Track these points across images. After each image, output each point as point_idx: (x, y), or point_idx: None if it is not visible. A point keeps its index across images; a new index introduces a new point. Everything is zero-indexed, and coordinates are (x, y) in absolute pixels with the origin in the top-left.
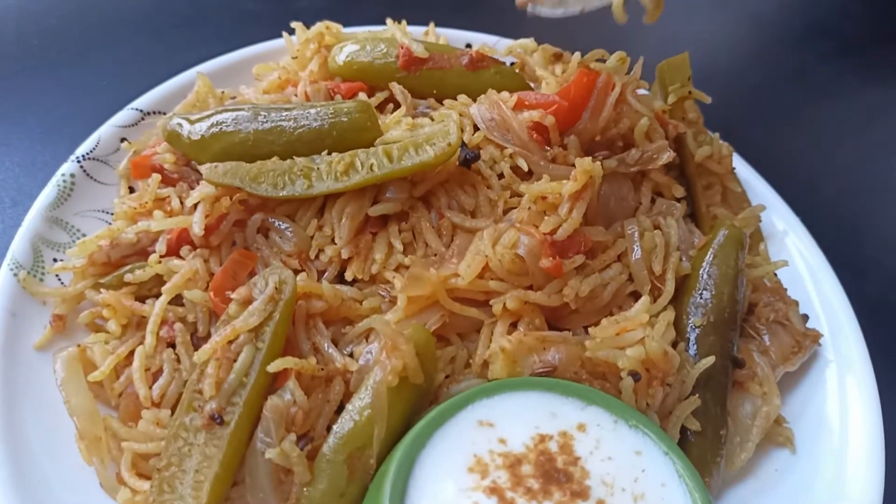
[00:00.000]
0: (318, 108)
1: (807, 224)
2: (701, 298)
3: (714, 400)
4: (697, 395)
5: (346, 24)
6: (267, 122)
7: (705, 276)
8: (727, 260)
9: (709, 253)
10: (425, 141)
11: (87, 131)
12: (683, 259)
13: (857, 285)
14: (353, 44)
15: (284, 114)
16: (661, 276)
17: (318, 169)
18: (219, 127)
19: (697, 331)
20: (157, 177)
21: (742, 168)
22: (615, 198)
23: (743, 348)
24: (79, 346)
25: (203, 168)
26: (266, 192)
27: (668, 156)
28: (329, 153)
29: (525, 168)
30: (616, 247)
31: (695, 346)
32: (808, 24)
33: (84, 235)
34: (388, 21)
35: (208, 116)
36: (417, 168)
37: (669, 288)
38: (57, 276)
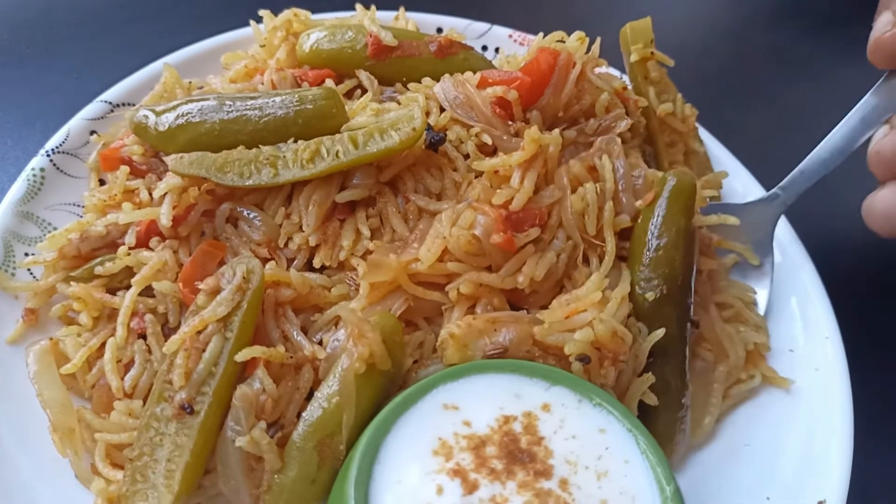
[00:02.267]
0: (284, 97)
1: None
2: (652, 271)
3: (673, 370)
4: (651, 372)
5: (317, 10)
6: (232, 111)
7: (654, 240)
8: (677, 218)
9: (656, 212)
10: (390, 126)
11: (59, 125)
12: (624, 212)
13: (828, 261)
14: (321, 31)
15: (250, 102)
16: (598, 234)
17: (283, 157)
18: (185, 118)
19: (652, 304)
20: (125, 169)
21: (715, 147)
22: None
23: (698, 308)
24: (51, 339)
25: (169, 159)
26: (232, 182)
27: (625, 123)
28: (295, 141)
29: (490, 143)
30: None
31: (650, 319)
32: (784, 2)
33: (55, 229)
34: (358, 7)
35: (174, 108)
36: (383, 154)
37: (611, 248)
38: (28, 270)
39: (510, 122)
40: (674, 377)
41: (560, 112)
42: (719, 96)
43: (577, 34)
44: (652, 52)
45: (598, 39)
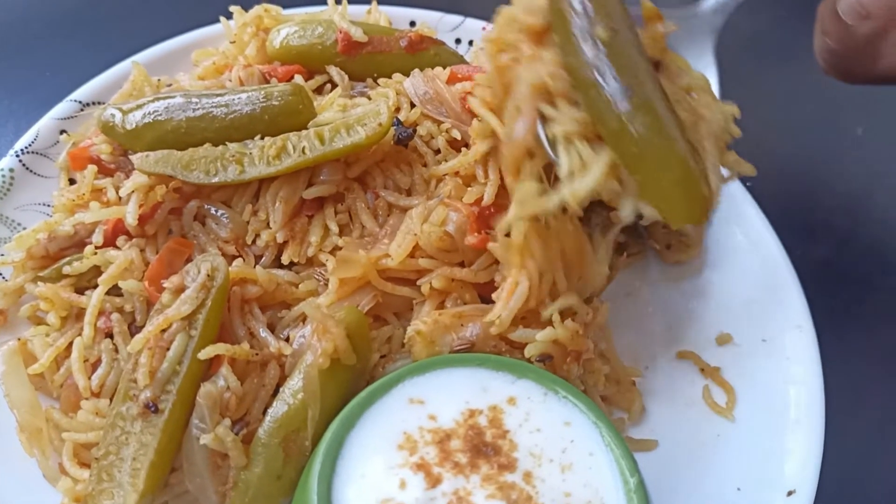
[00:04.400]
0: (250, 93)
1: (758, 189)
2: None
3: None
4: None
5: (288, 5)
6: (199, 108)
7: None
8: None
9: None
10: (357, 122)
11: (31, 123)
12: None
13: (805, 249)
14: (291, 27)
15: (216, 100)
16: None
17: (250, 154)
18: (151, 116)
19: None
20: (92, 168)
21: None
22: None
23: None
24: (19, 339)
25: (135, 158)
26: (198, 180)
27: None
28: (262, 137)
29: (460, 139)
30: None
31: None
32: None
33: (24, 229)
34: (329, 1)
35: (141, 106)
36: (349, 150)
37: None
38: None
39: None
40: None
41: None
42: None
43: None
44: None
45: None
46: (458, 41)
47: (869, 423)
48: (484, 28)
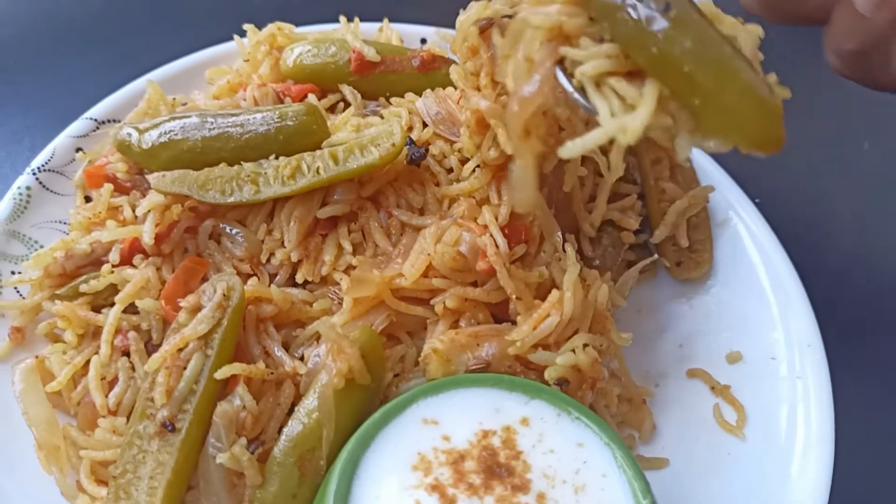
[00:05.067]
0: (265, 113)
1: (766, 205)
2: None
3: None
4: None
5: (303, 21)
6: (214, 128)
7: None
8: None
9: None
10: (370, 142)
11: (46, 140)
12: None
13: (814, 265)
14: (305, 46)
15: (231, 119)
16: None
17: (265, 174)
18: (167, 135)
19: None
20: (109, 187)
21: (700, 157)
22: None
23: None
24: (37, 357)
25: (151, 178)
26: (214, 199)
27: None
28: (277, 157)
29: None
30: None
31: None
32: None
33: (41, 247)
34: (342, 19)
35: (157, 125)
36: (363, 170)
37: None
38: (15, 288)
39: None
40: None
41: None
42: None
43: None
44: None
45: None
46: None
47: (880, 440)
48: None
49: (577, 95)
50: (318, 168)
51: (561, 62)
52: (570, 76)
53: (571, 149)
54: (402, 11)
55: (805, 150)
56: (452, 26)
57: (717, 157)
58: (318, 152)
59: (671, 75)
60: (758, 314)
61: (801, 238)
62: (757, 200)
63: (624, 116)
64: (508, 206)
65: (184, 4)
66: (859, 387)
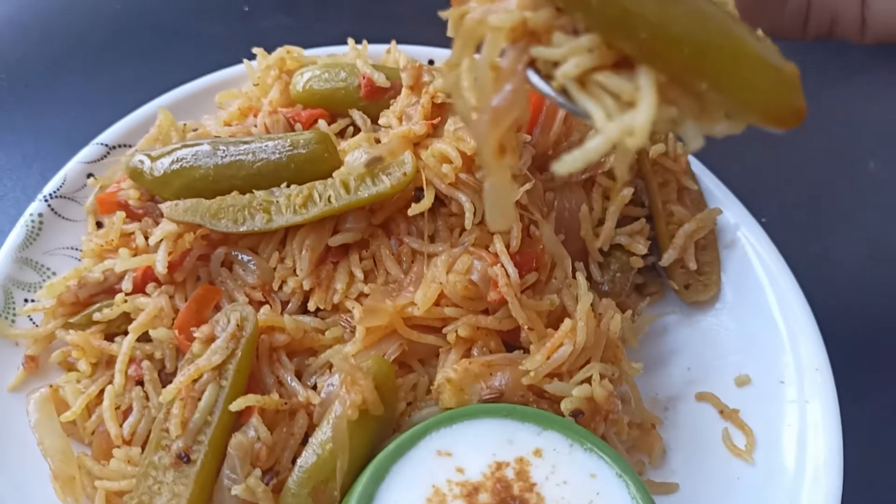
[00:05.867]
0: (276, 141)
1: (772, 224)
2: None
3: None
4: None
5: (310, 41)
6: (226, 156)
7: None
8: None
9: None
10: (381, 171)
11: (57, 164)
12: None
13: (821, 286)
14: (314, 70)
15: (243, 147)
16: None
17: (277, 202)
18: (179, 163)
19: None
20: (121, 215)
21: (707, 180)
22: (569, 207)
23: None
24: (51, 386)
25: (164, 207)
26: (226, 228)
27: (613, 158)
28: (288, 185)
29: None
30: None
31: None
32: None
33: (54, 273)
34: (350, 42)
35: (169, 153)
36: (374, 198)
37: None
38: (29, 316)
39: None
40: None
41: (550, 150)
42: None
43: None
44: None
45: None
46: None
47: (888, 464)
48: None
49: (561, 100)
50: (329, 197)
51: (531, 64)
52: (545, 78)
53: (570, 162)
54: (409, 31)
55: (810, 169)
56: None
57: (722, 175)
58: (329, 181)
59: (669, 60)
60: (766, 337)
61: (807, 257)
62: (763, 220)
63: (623, 116)
64: (519, 235)
65: (192, 27)
66: (866, 409)
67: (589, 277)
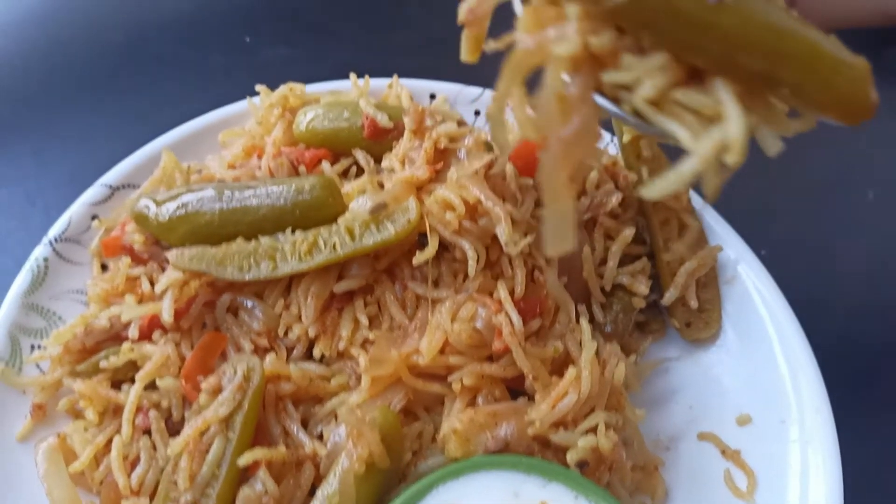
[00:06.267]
0: (281, 186)
1: (770, 257)
2: None
3: None
4: None
5: (311, 72)
6: (231, 201)
7: None
8: None
9: None
10: (386, 218)
11: (60, 202)
12: None
13: (820, 319)
14: (317, 109)
15: (248, 192)
16: None
17: (282, 249)
18: (184, 209)
19: None
20: (126, 261)
21: (707, 216)
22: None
23: None
24: (59, 435)
25: (170, 255)
26: (232, 276)
27: (616, 198)
28: (293, 230)
29: None
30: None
31: None
32: None
33: (59, 318)
34: (352, 77)
35: (174, 197)
36: (379, 245)
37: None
38: (36, 363)
39: None
40: None
41: None
42: None
43: None
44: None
45: None
46: (477, 113)
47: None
48: None
49: (634, 122)
50: (334, 244)
51: (598, 90)
52: (614, 101)
53: (662, 186)
54: (409, 61)
55: (808, 199)
56: (460, 81)
57: (721, 208)
58: (334, 227)
59: (744, 68)
60: (766, 376)
61: (806, 289)
62: (763, 252)
63: (712, 132)
64: (523, 280)
65: (193, 58)
66: (867, 449)
67: (591, 319)
